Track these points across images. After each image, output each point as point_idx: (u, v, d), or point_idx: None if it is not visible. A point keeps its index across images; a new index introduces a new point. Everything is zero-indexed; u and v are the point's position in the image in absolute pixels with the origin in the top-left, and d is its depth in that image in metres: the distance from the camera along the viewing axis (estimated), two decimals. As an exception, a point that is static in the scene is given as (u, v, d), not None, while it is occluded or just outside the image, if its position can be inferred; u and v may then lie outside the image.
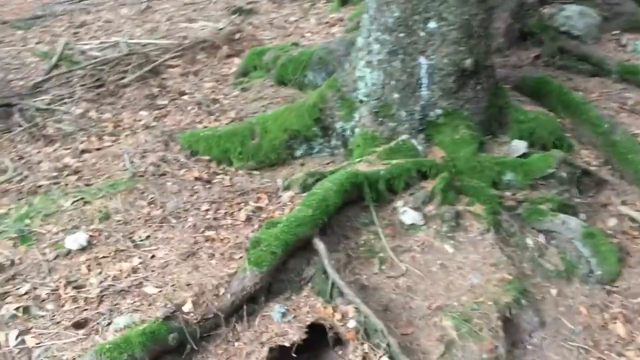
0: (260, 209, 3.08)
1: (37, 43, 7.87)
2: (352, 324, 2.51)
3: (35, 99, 5.37)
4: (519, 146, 3.49)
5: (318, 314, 2.55)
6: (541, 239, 3.16)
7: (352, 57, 3.52)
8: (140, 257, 2.72)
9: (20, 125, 4.73)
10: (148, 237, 2.87)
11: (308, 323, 2.48)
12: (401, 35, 3.24)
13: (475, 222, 3.12)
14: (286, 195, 3.17)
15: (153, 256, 2.72)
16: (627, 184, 3.65)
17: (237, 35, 6.96)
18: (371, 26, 3.31)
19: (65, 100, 5.18)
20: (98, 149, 4.12)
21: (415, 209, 3.13)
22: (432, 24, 3.20)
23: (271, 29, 7.60)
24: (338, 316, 2.55)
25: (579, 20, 4.98)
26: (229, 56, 6.56)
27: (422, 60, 3.28)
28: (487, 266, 2.90)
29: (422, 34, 3.23)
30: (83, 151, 4.10)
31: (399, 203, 3.16)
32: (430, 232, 3.06)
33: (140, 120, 4.63)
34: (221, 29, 7.48)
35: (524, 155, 3.45)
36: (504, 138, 3.58)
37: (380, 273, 2.83)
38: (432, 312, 2.65)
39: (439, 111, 3.38)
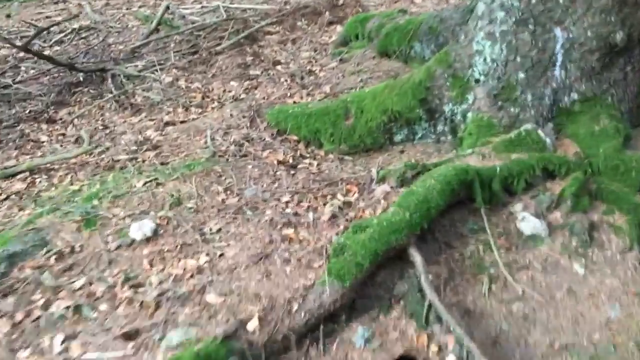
0: (348, 204, 2.63)
1: (141, 6, 7.82)
2: (451, 359, 2.03)
3: (129, 65, 5.21)
4: (677, 143, 2.80)
5: (410, 342, 2.09)
6: (700, 264, 2.49)
7: (469, 27, 2.93)
8: (207, 255, 2.37)
9: (111, 92, 4.57)
10: (219, 230, 2.52)
11: (396, 356, 2.02)
12: (534, 0, 2.62)
13: (614, 236, 2.54)
14: (380, 190, 2.69)
15: (222, 254, 2.36)
16: None
17: (341, 1, 6.47)
18: (496, -11, 2.72)
19: (158, 67, 4.96)
20: (183, 122, 3.84)
21: (538, 215, 2.56)
22: (575, -13, 2.57)
23: (378, -7, 7.05)
24: (434, 347, 2.08)
25: None
26: (330, 23, 6.11)
27: (559, 32, 2.65)
28: (628, 296, 2.32)
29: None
30: (167, 123, 3.83)
31: (517, 207, 2.61)
32: (556, 246, 2.50)
33: (229, 92, 4.32)
34: (325, -8, 6.99)
35: (682, 155, 2.76)
36: (657, 131, 2.89)
37: (489, 295, 2.31)
38: (555, 351, 2.13)
39: (575, 96, 2.75)
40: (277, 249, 2.34)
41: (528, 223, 2.54)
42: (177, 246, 2.44)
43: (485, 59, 2.82)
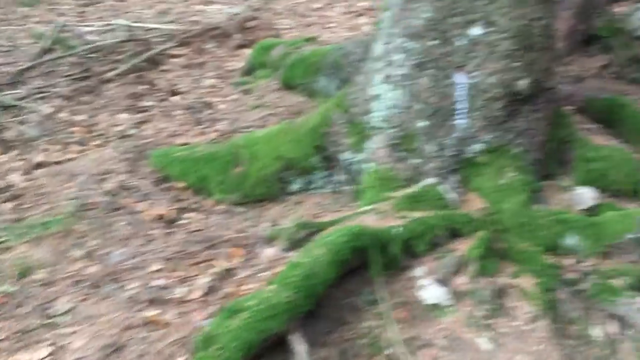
0: (228, 273, 2.28)
1: (37, 22, 7.20)
2: None
3: (10, 92, 4.66)
4: (586, 195, 2.63)
5: None
6: (613, 327, 2.32)
7: (366, 68, 2.66)
8: (51, 345, 1.95)
9: (-18, 125, 4.03)
10: (70, 310, 2.10)
11: None
12: (433, 43, 2.38)
13: (524, 302, 2.31)
14: (267, 254, 2.36)
15: (66, 345, 1.95)
16: None
17: (252, 23, 6.15)
18: (393, 29, 2.46)
19: (40, 95, 4.45)
20: (57, 163, 3.37)
21: (441, 281, 2.31)
22: (475, 30, 2.33)
23: (292, 16, 6.77)
24: None
25: (661, 22, 4.01)
26: (240, 46, 5.76)
27: (460, 77, 2.41)
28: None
29: (461, 42, 2.37)
30: (39, 165, 3.35)
31: (418, 272, 2.34)
32: (461, 317, 2.25)
33: (117, 126, 3.88)
34: (236, 14, 6.65)
35: (592, 209, 2.59)
36: (566, 182, 2.72)
37: (386, 382, 2.02)
38: None
39: (479, 146, 2.52)
40: (134, 338, 1.95)
41: (430, 291, 2.28)
42: (15, 334, 2.01)
43: (383, 105, 2.55)
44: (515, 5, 2.27)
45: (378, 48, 2.56)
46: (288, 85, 3.94)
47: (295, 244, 2.37)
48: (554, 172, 2.71)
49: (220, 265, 2.33)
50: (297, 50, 4.05)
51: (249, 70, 4.62)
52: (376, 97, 2.56)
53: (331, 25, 6.14)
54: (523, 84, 2.38)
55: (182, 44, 5.80)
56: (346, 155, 2.71)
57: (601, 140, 2.96)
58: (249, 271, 2.28)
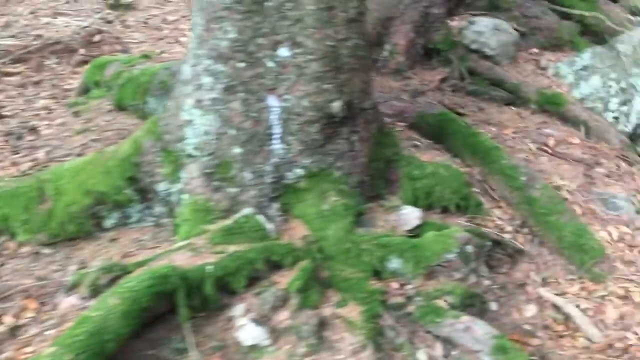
0: (14, 332, 1.99)
1: None
2: None
3: None
4: (412, 215, 2.60)
5: None
6: (438, 350, 2.29)
7: (176, 92, 2.47)
8: None
9: None
10: None
11: None
12: (240, 65, 2.23)
13: (348, 333, 2.22)
14: (66, 304, 2.10)
15: None
16: (547, 254, 2.93)
17: (97, 37, 5.75)
18: (199, 50, 2.28)
19: None
20: None
21: (259, 320, 2.16)
22: (283, 51, 2.21)
23: (144, 29, 6.42)
24: None
25: (492, 36, 4.16)
26: (82, 63, 5.36)
27: (272, 101, 2.29)
28: (359, 412, 1.98)
29: (270, 64, 2.24)
30: None
31: (238, 310, 2.19)
32: (281, 357, 2.12)
33: None
34: (85, 27, 6.21)
35: (417, 229, 2.57)
36: (394, 201, 2.68)
37: None
38: None
39: (299, 172, 2.41)
40: None
41: (247, 331, 2.13)
42: None
43: (196, 131, 2.37)
44: (319, 26, 2.17)
45: (187, 70, 2.37)
46: (120, 107, 3.65)
47: (98, 291, 2.13)
48: (381, 192, 2.66)
49: (7, 322, 2.03)
50: (131, 68, 3.78)
51: (84, 90, 4.27)
52: (188, 122, 2.37)
53: (184, 39, 5.88)
54: (337, 106, 2.29)
55: (19, 60, 5.30)
56: (163, 186, 2.49)
57: (430, 156, 2.97)
58: (39, 328, 2.00)
